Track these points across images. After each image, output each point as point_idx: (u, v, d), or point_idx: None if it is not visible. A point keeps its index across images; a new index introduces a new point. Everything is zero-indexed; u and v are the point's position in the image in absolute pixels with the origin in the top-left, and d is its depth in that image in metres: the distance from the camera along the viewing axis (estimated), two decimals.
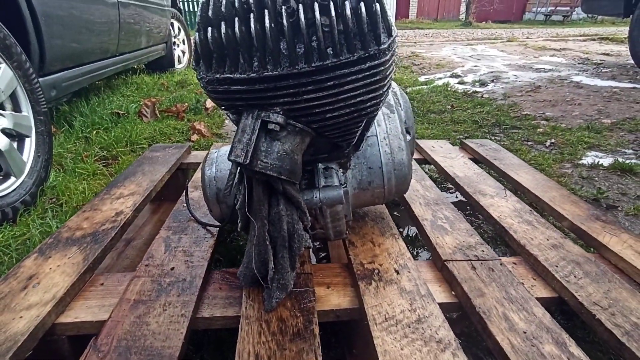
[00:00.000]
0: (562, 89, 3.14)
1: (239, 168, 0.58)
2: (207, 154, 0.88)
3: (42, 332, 0.64)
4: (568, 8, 16.92)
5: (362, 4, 0.50)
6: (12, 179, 1.39)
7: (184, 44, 4.80)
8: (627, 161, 1.73)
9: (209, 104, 2.95)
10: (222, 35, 0.50)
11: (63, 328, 0.66)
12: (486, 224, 1.36)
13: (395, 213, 1.43)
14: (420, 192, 1.19)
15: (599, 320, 0.69)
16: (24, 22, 1.59)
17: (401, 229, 1.34)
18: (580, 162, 1.81)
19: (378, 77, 0.55)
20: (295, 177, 0.60)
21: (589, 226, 1.02)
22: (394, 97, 0.94)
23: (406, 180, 0.87)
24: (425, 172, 1.42)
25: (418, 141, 1.73)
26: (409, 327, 0.65)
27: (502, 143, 2.10)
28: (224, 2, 0.51)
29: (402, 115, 0.92)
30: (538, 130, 2.26)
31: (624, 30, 8.15)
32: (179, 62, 4.65)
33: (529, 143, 2.10)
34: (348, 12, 0.50)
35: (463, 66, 4.43)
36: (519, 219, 1.04)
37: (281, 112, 0.56)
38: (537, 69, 4.10)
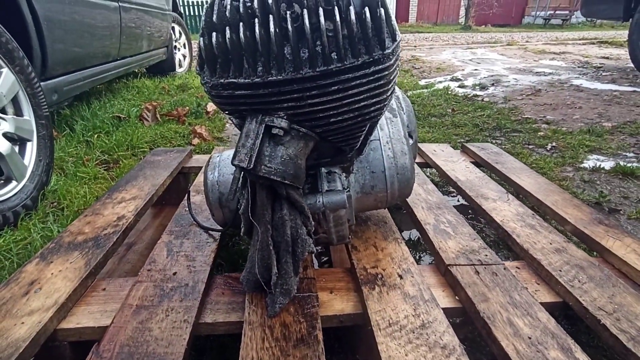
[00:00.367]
0: (563, 93, 3.15)
1: (242, 173, 0.58)
2: (210, 158, 0.88)
3: (43, 338, 0.63)
4: (567, 12, 16.99)
5: (366, 9, 0.50)
6: (14, 183, 1.39)
7: (184, 47, 4.82)
8: (629, 165, 1.73)
9: (210, 107, 2.95)
10: (227, 40, 0.50)
11: (65, 334, 0.66)
12: (488, 228, 1.36)
13: (397, 217, 1.43)
14: (423, 196, 1.19)
15: (604, 326, 0.68)
16: (26, 26, 1.59)
17: (403, 233, 1.34)
18: (582, 165, 1.81)
19: (382, 82, 0.55)
20: (299, 181, 0.60)
21: (592, 230, 1.02)
22: (396, 101, 0.94)
23: (409, 184, 0.86)
24: (427, 176, 1.41)
25: (419, 145, 1.73)
26: (413, 332, 0.65)
27: (503, 147, 2.10)
28: (228, 7, 0.51)
29: (404, 119, 0.91)
30: (539, 133, 2.26)
31: (623, 34, 8.18)
32: (180, 65, 4.66)
33: (530, 146, 2.10)
34: (352, 17, 0.50)
35: (463, 70, 4.43)
36: (522, 223, 1.04)
37: (285, 117, 0.56)
38: (537, 72, 4.11)
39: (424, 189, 1.23)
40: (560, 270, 0.84)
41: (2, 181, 1.36)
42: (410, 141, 0.94)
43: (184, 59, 4.82)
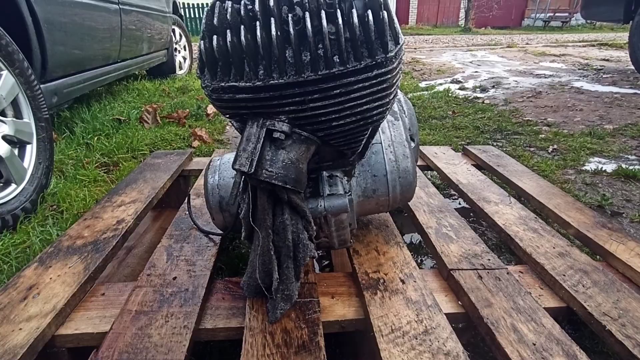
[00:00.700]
0: (563, 95, 3.14)
1: (243, 177, 0.57)
2: (210, 161, 0.87)
3: (41, 344, 0.63)
4: (567, 14, 17.03)
5: (369, 11, 0.50)
6: (13, 185, 1.38)
7: (185, 50, 4.82)
8: (631, 167, 1.72)
9: (210, 109, 2.95)
10: (228, 43, 0.50)
11: (63, 340, 0.65)
12: (490, 231, 1.35)
13: (398, 220, 1.42)
14: (424, 199, 1.18)
15: (609, 332, 0.68)
16: (27, 28, 1.59)
17: (405, 236, 1.33)
18: (584, 168, 1.80)
19: (385, 85, 0.55)
20: (301, 186, 0.60)
21: (595, 234, 1.01)
22: (398, 104, 0.94)
23: (411, 187, 0.86)
24: (428, 179, 1.41)
25: (420, 147, 1.72)
26: (416, 338, 0.64)
27: (505, 149, 2.09)
28: (229, 10, 0.51)
29: (406, 122, 0.91)
30: (540, 136, 2.25)
31: (622, 36, 8.19)
32: (180, 68, 4.67)
33: (531, 149, 2.09)
34: (355, 19, 0.49)
35: (463, 72, 4.43)
36: (525, 227, 1.03)
37: (286, 121, 0.55)
38: (537, 74, 4.11)
39: (425, 192, 1.23)
40: (564, 275, 0.83)
41: (1, 184, 1.35)
42: (412, 144, 0.93)
43: (184, 61, 4.82)
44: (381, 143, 0.84)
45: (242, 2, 0.52)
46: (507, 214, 1.11)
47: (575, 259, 0.89)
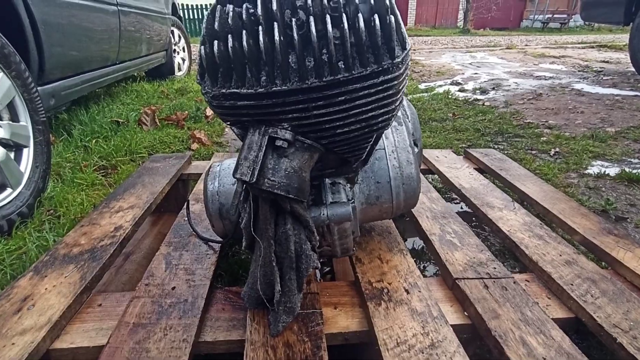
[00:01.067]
0: (564, 97, 3.13)
1: (244, 186, 0.56)
2: (209, 167, 0.85)
3: (36, 359, 0.61)
4: (565, 15, 17.06)
5: (375, 16, 0.48)
6: (9, 190, 1.36)
7: (184, 51, 4.80)
8: (634, 171, 1.71)
9: (209, 111, 2.93)
10: (229, 48, 0.48)
11: (58, 354, 0.63)
12: (494, 237, 1.34)
13: (400, 225, 1.40)
14: (427, 205, 1.16)
15: (620, 344, 0.66)
16: (24, 30, 1.57)
17: (408, 241, 1.31)
18: (586, 171, 1.79)
19: (391, 92, 0.53)
20: (304, 195, 0.58)
21: (601, 240, 0.99)
22: (401, 109, 0.92)
23: (415, 194, 0.84)
24: (430, 182, 1.39)
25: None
26: (423, 352, 0.62)
27: (506, 152, 2.08)
28: (230, 14, 0.49)
29: (409, 128, 0.89)
30: (542, 138, 2.24)
31: (622, 38, 8.19)
32: (179, 69, 4.64)
33: (533, 152, 2.08)
34: (361, 24, 0.47)
35: (463, 74, 4.42)
36: (530, 233, 1.01)
37: (289, 128, 0.54)
38: (537, 76, 4.10)
39: (428, 197, 1.21)
40: (571, 284, 0.81)
41: None
42: (416, 149, 0.92)
43: (183, 62, 4.80)
44: (385, 149, 0.83)
45: (244, 6, 0.50)
46: (511, 219, 1.09)
47: (583, 267, 0.88)
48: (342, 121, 0.54)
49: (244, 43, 0.47)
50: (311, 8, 0.48)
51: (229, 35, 0.48)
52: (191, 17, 15.09)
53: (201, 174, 1.42)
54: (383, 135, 0.84)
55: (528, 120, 2.59)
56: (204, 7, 15.06)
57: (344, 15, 0.48)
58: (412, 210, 1.12)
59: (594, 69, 4.44)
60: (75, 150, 2.02)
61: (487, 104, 3.12)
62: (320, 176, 0.71)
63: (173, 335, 0.64)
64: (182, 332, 0.64)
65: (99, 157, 1.92)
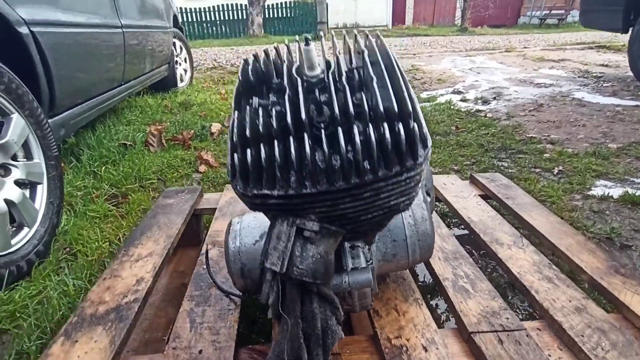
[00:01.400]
0: (565, 108, 3.16)
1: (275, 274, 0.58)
2: (229, 225, 0.88)
3: None
4: (563, 11, 17.05)
5: (400, 124, 0.51)
6: (25, 229, 1.38)
7: (185, 62, 4.82)
8: (637, 192, 1.74)
9: (214, 128, 2.96)
10: (262, 157, 0.50)
11: None
12: (499, 269, 1.36)
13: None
14: (438, 244, 1.19)
15: None
16: (34, 66, 1.59)
17: (419, 278, 1.34)
18: (590, 192, 1.82)
19: (413, 184, 0.56)
20: (329, 278, 0.61)
21: (609, 281, 1.02)
22: None
23: (430, 249, 0.87)
24: (437, 211, 1.42)
25: None
26: None
27: (510, 170, 2.11)
28: (261, 121, 0.51)
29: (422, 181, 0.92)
30: (544, 155, 2.27)
31: (620, 37, 8.20)
32: (181, 80, 4.66)
33: (537, 170, 2.11)
34: (386, 132, 0.50)
35: (464, 81, 4.44)
36: (539, 275, 1.04)
37: (316, 219, 0.56)
38: (537, 83, 4.12)
39: (438, 235, 1.24)
40: (582, 335, 0.84)
41: (14, 229, 1.35)
42: (428, 199, 0.94)
43: (185, 73, 4.82)
44: None
45: (274, 110, 0.52)
46: (520, 259, 1.12)
47: (592, 314, 0.90)
48: (366, 211, 0.57)
49: (276, 152, 0.50)
50: (338, 117, 0.51)
51: (261, 144, 0.51)
52: (189, 19, 15.05)
53: (213, 208, 1.44)
54: None
55: (530, 135, 2.61)
56: (202, 9, 15.01)
57: (370, 125, 0.50)
58: None
59: (594, 74, 4.47)
60: (85, 177, 2.04)
61: (489, 115, 3.15)
62: (341, 243, 0.74)
63: None
64: None
65: (109, 185, 1.95)
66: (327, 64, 0.57)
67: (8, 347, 1.02)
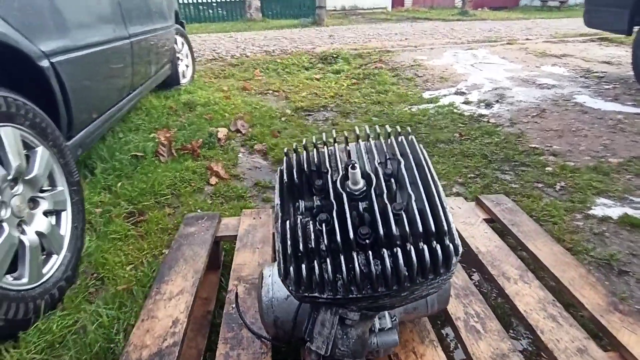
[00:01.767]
0: (567, 115, 3.21)
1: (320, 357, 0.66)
2: (261, 276, 0.95)
3: None
4: None
5: (438, 246, 0.57)
6: (54, 256, 1.45)
7: (187, 57, 4.78)
8: (636, 214, 1.82)
9: (221, 134, 2.99)
10: (316, 275, 0.57)
11: None
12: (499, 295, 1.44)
13: None
14: None
15: None
16: (54, 96, 1.61)
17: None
18: (591, 212, 1.89)
19: (444, 284, 0.62)
20: (365, 352, 0.68)
21: (608, 320, 1.11)
22: None
23: (447, 301, 0.94)
24: None
25: None
26: None
27: (514, 186, 2.18)
28: (312, 236, 0.57)
29: None
30: (547, 169, 2.33)
31: None
32: (184, 76, 4.64)
33: (540, 186, 2.18)
34: (426, 255, 0.56)
35: (466, 80, 4.46)
36: (544, 314, 1.13)
37: (357, 310, 0.63)
38: (540, 84, 4.15)
39: None
40: None
41: (44, 257, 1.42)
42: None
43: (187, 69, 4.79)
44: None
45: (324, 227, 0.58)
46: (526, 295, 1.20)
47: (593, 356, 0.99)
48: (401, 302, 0.63)
49: (329, 271, 0.56)
50: (383, 241, 0.57)
51: (315, 262, 0.57)
52: (186, 0, 14.70)
53: (233, 235, 1.51)
54: None
55: (533, 145, 2.67)
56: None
57: (412, 247, 0.57)
58: None
59: (596, 73, 4.50)
60: (102, 191, 2.10)
61: (492, 121, 3.20)
62: None
63: None
64: None
65: (126, 201, 2.00)
66: (367, 177, 0.62)
67: None
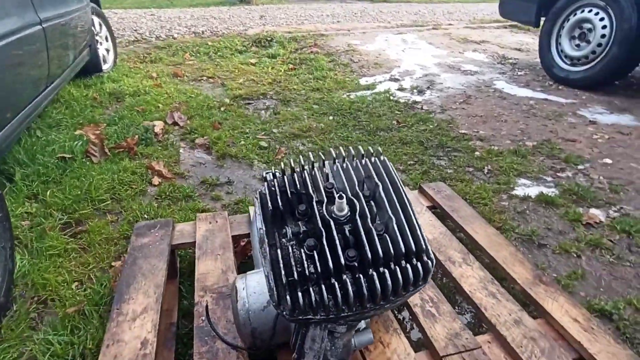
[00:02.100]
0: (489, 101, 3.53)
1: None
2: (234, 288, 0.95)
3: None
4: None
5: (419, 264, 0.63)
6: None
7: (107, 40, 4.34)
8: (549, 193, 2.11)
9: (157, 128, 2.82)
10: (313, 300, 0.60)
11: None
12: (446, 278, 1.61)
13: None
14: None
15: None
16: None
17: None
18: (514, 192, 2.15)
19: (423, 286, 0.70)
20: (350, 356, 0.74)
21: (535, 291, 1.30)
22: None
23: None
24: None
25: None
26: None
27: (449, 171, 2.38)
28: (304, 263, 0.60)
29: None
30: (475, 153, 2.58)
31: None
32: (105, 61, 4.22)
33: (470, 170, 2.40)
34: (410, 273, 0.62)
35: (399, 66, 4.67)
36: (485, 292, 1.29)
37: (345, 323, 0.68)
38: (464, 70, 4.49)
39: None
40: (521, 346, 1.09)
41: None
42: None
43: (108, 53, 4.36)
44: None
45: (315, 254, 0.61)
46: (470, 277, 1.35)
47: (526, 325, 1.17)
48: (384, 311, 0.69)
49: (325, 296, 0.60)
50: (368, 254, 0.61)
51: (310, 288, 0.60)
52: None
53: (191, 242, 1.47)
54: None
55: (462, 131, 2.92)
56: None
57: (398, 272, 0.62)
58: None
59: (509, 60, 4.97)
60: (26, 202, 1.89)
61: (425, 107, 3.41)
62: None
63: None
64: None
65: (59, 211, 1.83)
66: (351, 203, 0.66)
67: None
